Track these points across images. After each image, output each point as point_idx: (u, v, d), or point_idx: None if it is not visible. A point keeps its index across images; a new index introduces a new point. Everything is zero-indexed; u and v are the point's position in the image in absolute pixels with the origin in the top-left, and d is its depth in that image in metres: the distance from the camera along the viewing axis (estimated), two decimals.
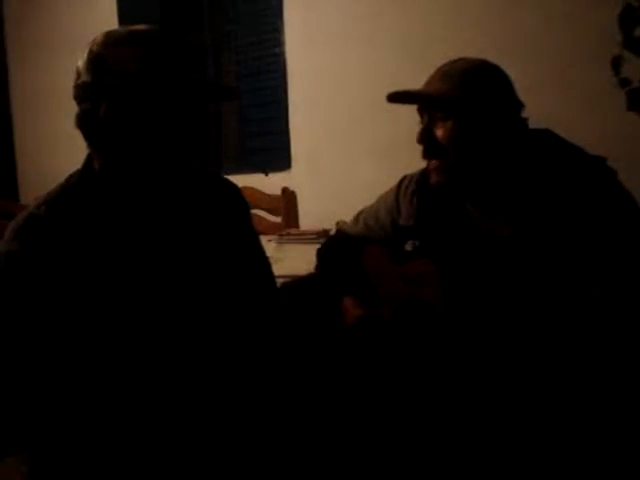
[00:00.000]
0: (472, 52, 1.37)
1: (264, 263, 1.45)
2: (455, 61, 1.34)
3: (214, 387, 1.26)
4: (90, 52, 1.14)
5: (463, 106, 1.28)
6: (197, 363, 1.24)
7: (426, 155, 1.34)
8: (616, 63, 2.05)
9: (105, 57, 1.13)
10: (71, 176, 1.25)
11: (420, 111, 1.35)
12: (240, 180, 1.47)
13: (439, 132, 1.31)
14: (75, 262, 1.17)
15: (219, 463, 1.24)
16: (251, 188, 3.15)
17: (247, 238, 1.41)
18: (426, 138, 1.32)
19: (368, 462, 1.41)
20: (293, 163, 3.40)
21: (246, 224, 1.42)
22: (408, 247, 1.46)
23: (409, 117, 1.39)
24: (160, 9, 3.95)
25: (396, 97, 1.35)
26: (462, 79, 1.29)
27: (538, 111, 1.39)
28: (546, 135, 1.37)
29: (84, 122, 1.16)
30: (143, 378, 1.20)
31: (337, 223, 1.79)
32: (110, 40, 1.14)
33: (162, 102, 1.14)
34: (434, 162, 1.33)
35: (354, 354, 1.50)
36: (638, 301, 1.21)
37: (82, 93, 1.15)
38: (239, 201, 1.41)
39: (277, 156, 3.43)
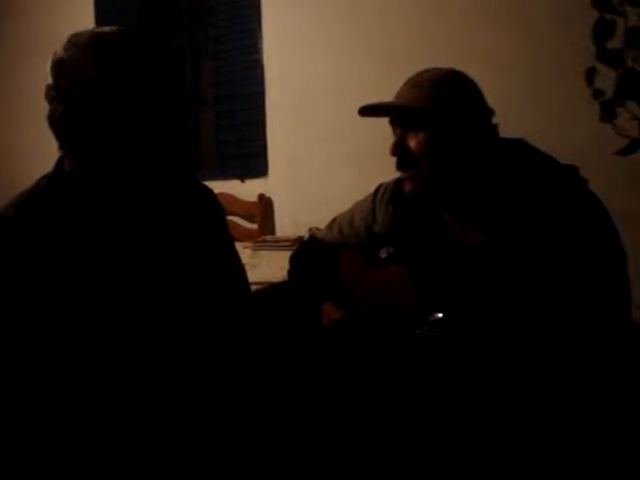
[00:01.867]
0: (450, 65, 1.37)
1: (238, 268, 1.44)
2: (424, 71, 1.34)
3: (185, 392, 1.25)
4: (54, 54, 1.16)
5: (435, 116, 1.28)
6: (168, 368, 1.23)
7: (400, 167, 1.34)
8: (590, 75, 2.07)
9: (64, 61, 1.14)
10: (42, 178, 1.25)
11: (392, 123, 1.35)
12: (216, 186, 1.47)
13: (412, 143, 1.30)
14: (44, 265, 1.16)
15: (194, 467, 1.23)
16: (227, 194, 3.14)
17: (221, 243, 1.40)
18: (399, 150, 1.32)
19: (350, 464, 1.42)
20: (270, 170, 3.39)
21: (221, 229, 1.42)
22: (383, 254, 1.46)
23: (386, 126, 1.39)
24: (138, 14, 3.92)
25: (368, 110, 1.34)
26: (432, 89, 1.29)
27: (513, 122, 1.40)
28: (519, 145, 1.38)
29: (50, 123, 1.17)
30: (111, 382, 1.19)
31: (309, 230, 1.78)
32: (71, 43, 1.15)
33: (117, 108, 1.14)
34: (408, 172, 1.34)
35: (330, 360, 1.50)
36: (608, 308, 1.23)
37: (47, 95, 1.17)
38: (214, 206, 1.41)
39: (254, 162, 3.41)
